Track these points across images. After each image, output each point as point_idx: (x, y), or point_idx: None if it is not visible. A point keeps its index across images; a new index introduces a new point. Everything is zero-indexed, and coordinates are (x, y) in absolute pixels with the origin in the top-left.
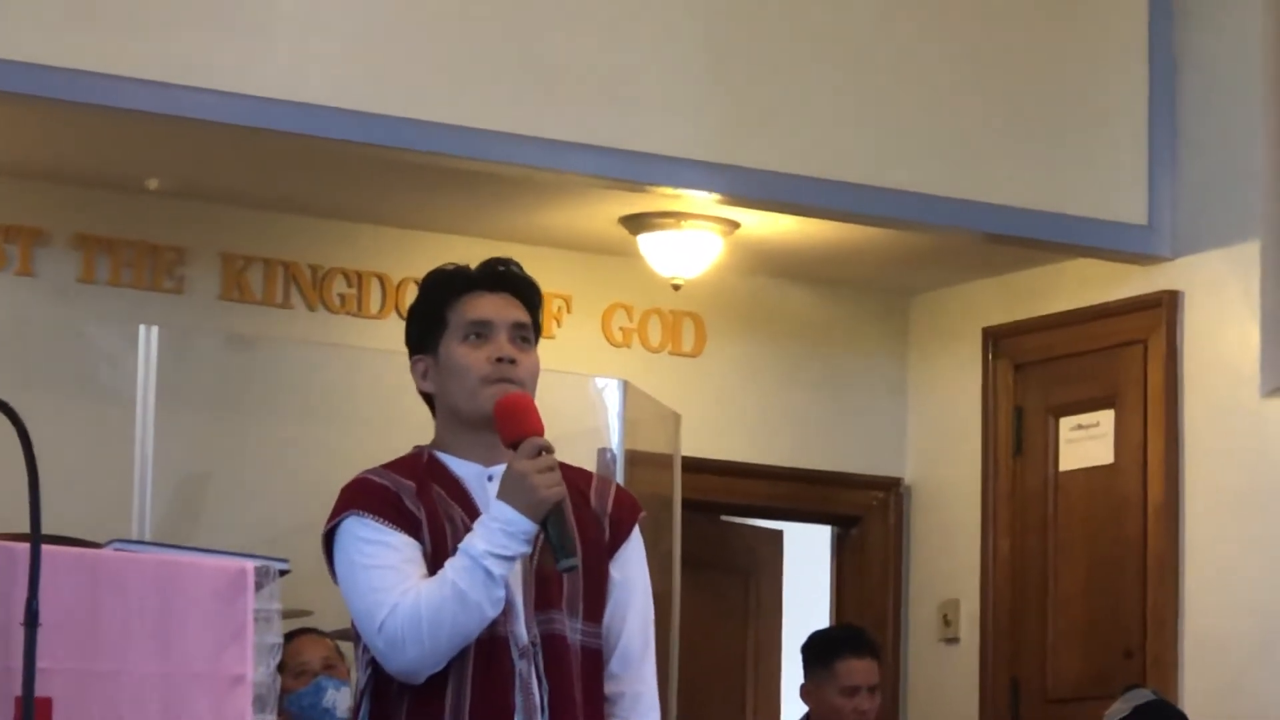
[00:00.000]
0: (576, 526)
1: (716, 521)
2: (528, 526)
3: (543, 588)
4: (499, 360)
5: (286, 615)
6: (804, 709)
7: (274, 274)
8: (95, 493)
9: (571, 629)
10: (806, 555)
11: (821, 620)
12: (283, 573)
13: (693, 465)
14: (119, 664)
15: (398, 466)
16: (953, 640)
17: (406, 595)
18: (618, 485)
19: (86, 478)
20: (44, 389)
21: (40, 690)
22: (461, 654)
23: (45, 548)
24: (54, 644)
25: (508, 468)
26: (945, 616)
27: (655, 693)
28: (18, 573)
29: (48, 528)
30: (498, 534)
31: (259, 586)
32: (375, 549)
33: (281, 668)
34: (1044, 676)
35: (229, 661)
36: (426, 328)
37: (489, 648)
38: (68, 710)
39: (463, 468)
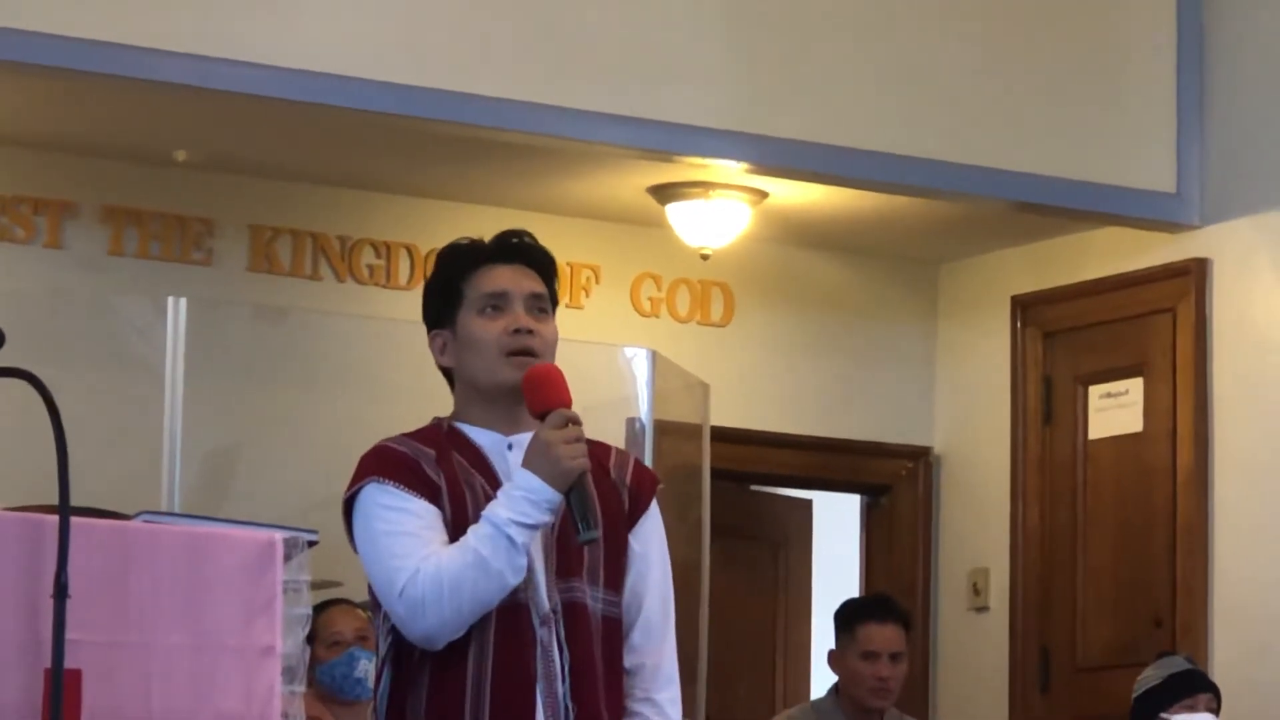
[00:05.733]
0: (598, 497)
1: (746, 491)
2: (551, 496)
3: (564, 556)
4: (516, 331)
5: (316, 586)
6: (835, 678)
7: (302, 245)
8: (124, 464)
9: (592, 597)
10: (836, 525)
11: (851, 590)
12: (311, 544)
13: (721, 435)
14: (148, 635)
15: (417, 435)
16: (982, 609)
17: (427, 561)
18: (636, 458)
19: (115, 450)
20: (72, 361)
21: (69, 662)
22: (483, 621)
23: (74, 520)
24: (83, 616)
25: (534, 437)
26: (975, 585)
27: (675, 664)
28: (46, 545)
29: (76, 499)
30: (521, 502)
31: (288, 558)
32: (396, 515)
33: (314, 638)
34: (1074, 645)
35: (258, 633)
36: (443, 302)
37: (510, 615)
38: (97, 682)
39: (483, 436)
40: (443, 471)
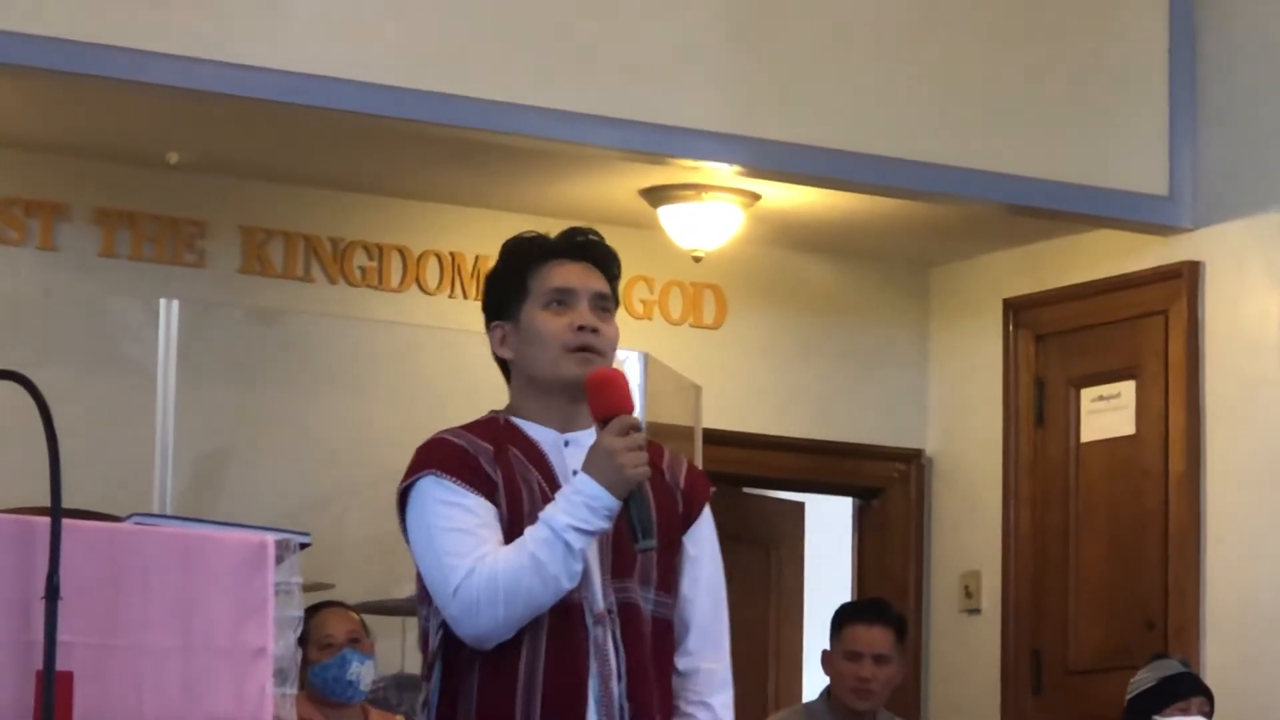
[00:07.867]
0: (653, 500)
1: (738, 494)
2: (611, 503)
3: (619, 557)
4: (581, 328)
5: (307, 588)
6: (827, 680)
7: (294, 247)
8: (116, 466)
9: (644, 598)
10: (828, 527)
11: (843, 592)
12: (303, 545)
13: (714, 437)
14: (140, 637)
15: (475, 429)
16: (974, 611)
17: (483, 561)
18: (689, 461)
19: (107, 451)
20: (65, 363)
21: (61, 664)
22: (536, 619)
23: (66, 522)
24: (75, 618)
25: (596, 443)
26: (967, 588)
27: (729, 669)
28: (38, 547)
29: (68, 501)
30: (581, 508)
31: (280, 560)
32: (452, 511)
33: (306, 640)
34: (1065, 647)
35: (250, 635)
36: (507, 294)
37: (563, 614)
38: (89, 684)
39: (539, 432)
40: (500, 467)
